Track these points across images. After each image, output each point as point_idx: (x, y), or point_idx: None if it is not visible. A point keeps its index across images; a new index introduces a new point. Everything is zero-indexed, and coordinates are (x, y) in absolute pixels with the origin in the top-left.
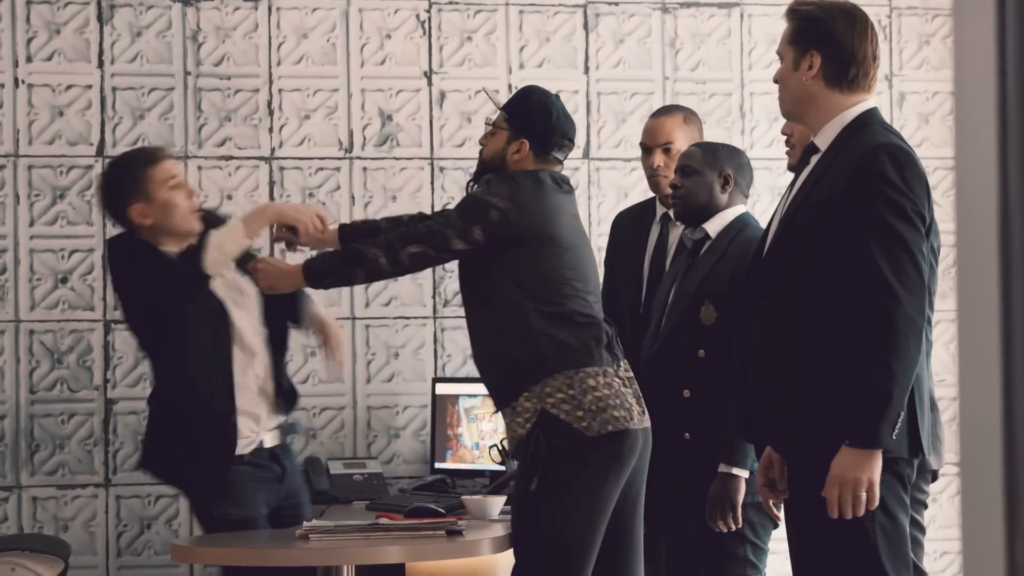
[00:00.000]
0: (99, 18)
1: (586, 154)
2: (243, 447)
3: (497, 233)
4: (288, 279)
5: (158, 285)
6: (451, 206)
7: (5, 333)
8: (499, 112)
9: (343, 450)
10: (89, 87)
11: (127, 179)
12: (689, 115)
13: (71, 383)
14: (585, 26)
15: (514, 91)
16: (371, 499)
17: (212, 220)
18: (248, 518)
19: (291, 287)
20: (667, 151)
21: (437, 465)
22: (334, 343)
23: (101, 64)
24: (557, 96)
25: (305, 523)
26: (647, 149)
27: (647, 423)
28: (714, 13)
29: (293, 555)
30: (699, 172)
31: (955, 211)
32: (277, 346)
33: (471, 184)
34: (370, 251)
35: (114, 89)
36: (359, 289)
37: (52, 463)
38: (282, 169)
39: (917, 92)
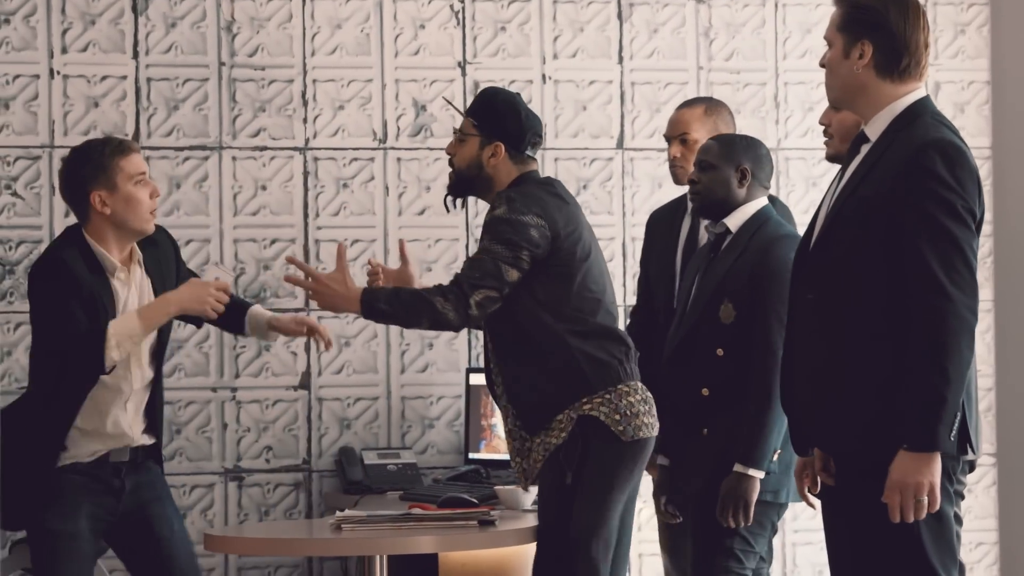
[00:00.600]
0: (134, 9)
1: (620, 144)
2: (83, 456)
3: (540, 254)
4: (344, 304)
5: (60, 344)
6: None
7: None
8: (464, 119)
9: (377, 440)
10: (124, 78)
11: (94, 164)
12: (712, 107)
13: None
14: (619, 16)
15: (546, 82)
16: (405, 489)
17: (153, 242)
18: (64, 531)
19: (346, 311)
20: (684, 142)
21: (471, 455)
22: (312, 330)
23: (136, 55)
24: (519, 94)
25: (338, 513)
26: (668, 140)
27: (657, 429)
28: (748, 3)
29: (326, 545)
30: (715, 167)
31: (992, 200)
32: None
33: (448, 199)
34: (438, 302)
35: (149, 80)
36: None
37: None
38: (316, 160)
39: (952, 81)
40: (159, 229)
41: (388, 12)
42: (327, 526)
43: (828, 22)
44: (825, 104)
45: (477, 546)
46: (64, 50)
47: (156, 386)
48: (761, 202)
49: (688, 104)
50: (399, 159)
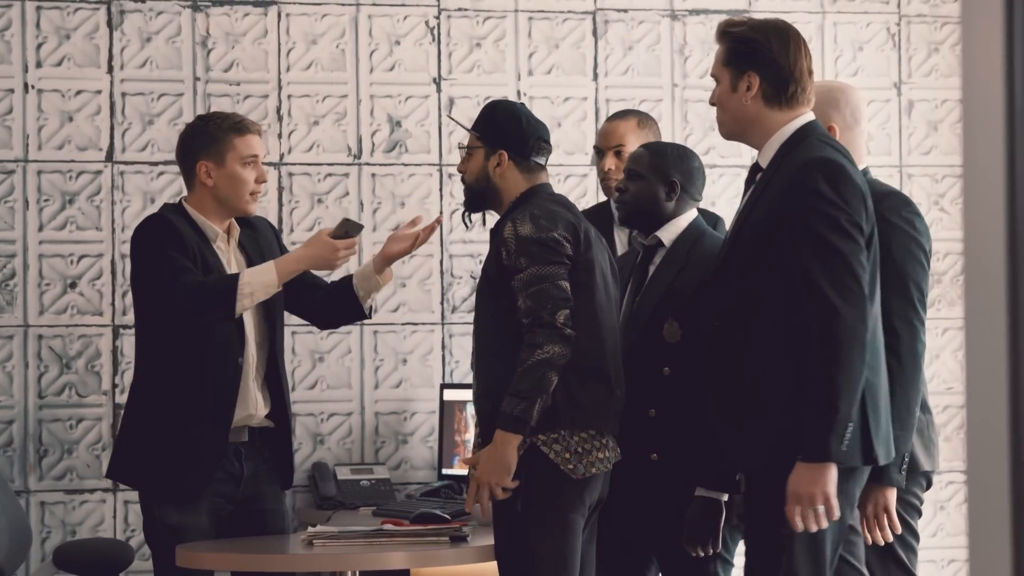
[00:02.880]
0: (109, 23)
1: (595, 161)
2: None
3: (566, 263)
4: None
5: (175, 299)
6: (459, 213)
7: (14, 338)
8: (470, 134)
9: (351, 456)
10: (99, 92)
11: (208, 135)
12: (644, 119)
13: (79, 388)
14: (594, 33)
15: (521, 98)
16: (378, 505)
17: (250, 225)
18: (184, 526)
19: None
20: (619, 154)
21: (445, 471)
22: (421, 232)
23: (111, 69)
24: (522, 103)
25: (310, 528)
26: (599, 152)
27: (619, 456)
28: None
29: (297, 561)
30: (644, 177)
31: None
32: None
33: (465, 215)
34: (542, 353)
35: (123, 94)
36: None
37: (60, 468)
38: (291, 175)
39: (926, 100)
40: (259, 217)
41: (363, 28)
42: (299, 542)
43: (713, 60)
44: None
45: (449, 562)
46: (39, 64)
47: (274, 365)
48: (692, 215)
49: (621, 115)
50: (374, 175)
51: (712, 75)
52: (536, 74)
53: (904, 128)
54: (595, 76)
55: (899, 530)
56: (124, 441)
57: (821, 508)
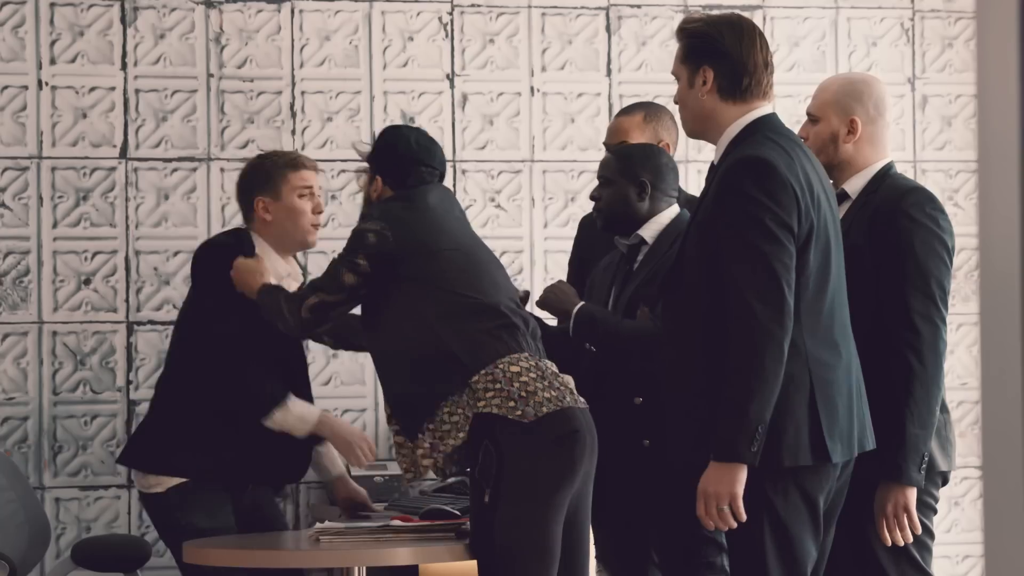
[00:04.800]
0: (122, 20)
1: None
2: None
3: (380, 254)
4: (251, 289)
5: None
6: (473, 208)
7: (28, 335)
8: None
9: None
10: (112, 89)
11: (264, 172)
12: (652, 113)
13: (94, 385)
14: (608, 29)
15: (534, 94)
16: (390, 501)
17: None
18: (216, 529)
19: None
20: None
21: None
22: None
23: (124, 66)
24: (415, 128)
25: (318, 524)
26: (608, 149)
27: (584, 404)
28: None
29: (304, 557)
30: (614, 182)
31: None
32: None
33: None
34: (284, 308)
35: (137, 91)
36: None
37: (75, 464)
38: None
39: (940, 95)
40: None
41: (377, 24)
42: (307, 538)
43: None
44: (802, 118)
45: (456, 558)
46: (53, 61)
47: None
48: (673, 211)
49: (627, 111)
50: None
51: (672, 73)
52: (549, 70)
53: (918, 123)
54: (608, 72)
55: (919, 530)
56: (173, 435)
57: (727, 508)
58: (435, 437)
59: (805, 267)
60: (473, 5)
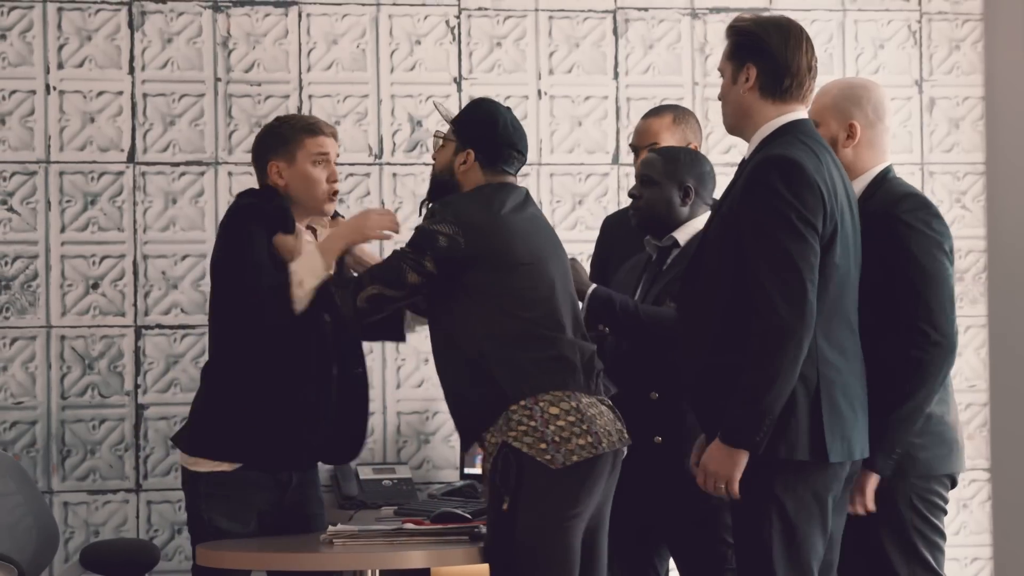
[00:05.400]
0: (130, 25)
1: (615, 159)
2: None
3: (449, 259)
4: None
5: (252, 304)
6: None
7: (36, 339)
8: (449, 125)
9: (373, 455)
10: (120, 93)
11: (279, 135)
12: (680, 115)
13: (102, 389)
14: (615, 31)
15: (542, 97)
16: (400, 504)
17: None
18: (234, 532)
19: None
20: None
21: (466, 470)
22: None
23: (132, 70)
24: (508, 108)
25: (330, 528)
26: (635, 150)
27: (621, 443)
28: None
29: (317, 560)
30: (658, 183)
31: (986, 216)
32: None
33: (424, 203)
34: (338, 295)
35: (145, 95)
36: None
37: (83, 468)
38: None
39: (947, 97)
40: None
41: (384, 28)
42: (319, 541)
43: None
44: None
45: (468, 561)
46: (60, 65)
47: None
48: (706, 217)
49: (656, 112)
50: (395, 174)
51: (719, 70)
52: (556, 73)
53: (926, 125)
54: (616, 75)
55: (861, 512)
56: (211, 416)
57: (723, 486)
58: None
59: (828, 268)
60: (480, 8)
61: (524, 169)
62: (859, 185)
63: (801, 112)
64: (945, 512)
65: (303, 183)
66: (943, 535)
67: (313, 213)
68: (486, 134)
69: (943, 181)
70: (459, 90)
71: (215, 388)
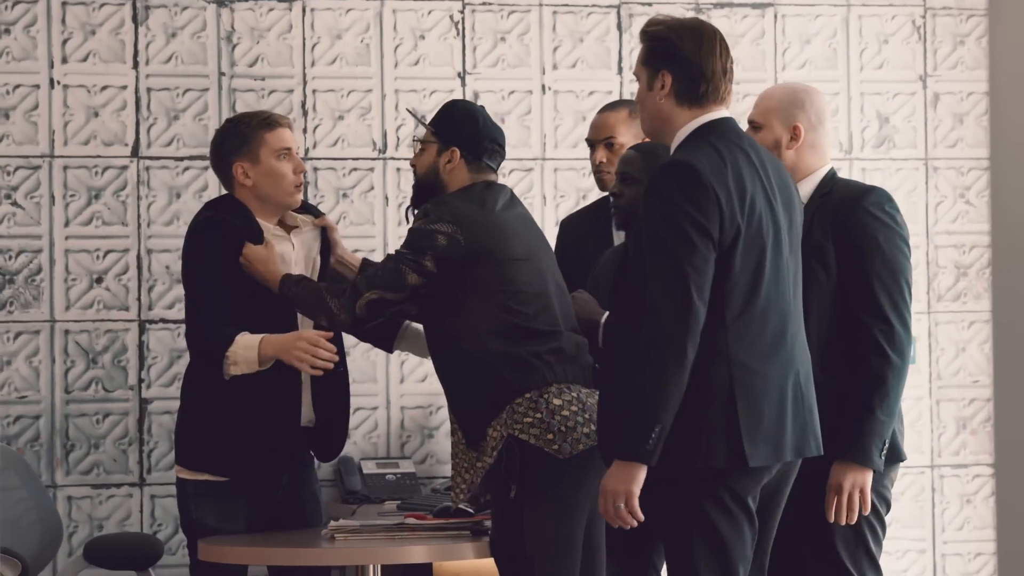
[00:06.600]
0: (134, 19)
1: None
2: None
3: (449, 258)
4: (267, 280)
5: (188, 333)
6: None
7: (40, 333)
8: (426, 130)
9: (376, 450)
10: (124, 88)
11: (239, 136)
12: (635, 110)
13: (106, 383)
14: (619, 27)
15: (546, 92)
16: (403, 499)
17: (308, 210)
18: (224, 530)
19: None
20: (610, 147)
21: None
22: None
23: (136, 65)
24: (482, 107)
25: (332, 523)
26: (591, 144)
27: None
28: (747, 14)
29: (319, 555)
30: (639, 180)
31: (990, 212)
32: None
33: (409, 208)
34: (333, 303)
35: (149, 90)
36: None
37: (87, 463)
38: (316, 170)
39: (952, 92)
40: (307, 205)
41: (388, 22)
42: (321, 536)
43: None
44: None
45: (471, 556)
46: (64, 60)
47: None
48: None
49: (611, 107)
50: (399, 169)
51: (634, 74)
52: (561, 68)
53: (930, 121)
54: (620, 70)
55: (868, 511)
56: (186, 430)
57: (622, 506)
58: (481, 455)
59: (731, 273)
60: (484, 3)
61: (528, 163)
62: (808, 186)
63: (720, 112)
64: (889, 507)
65: (270, 180)
66: (885, 527)
67: (281, 207)
68: (469, 131)
69: (947, 176)
70: (463, 85)
71: (187, 399)
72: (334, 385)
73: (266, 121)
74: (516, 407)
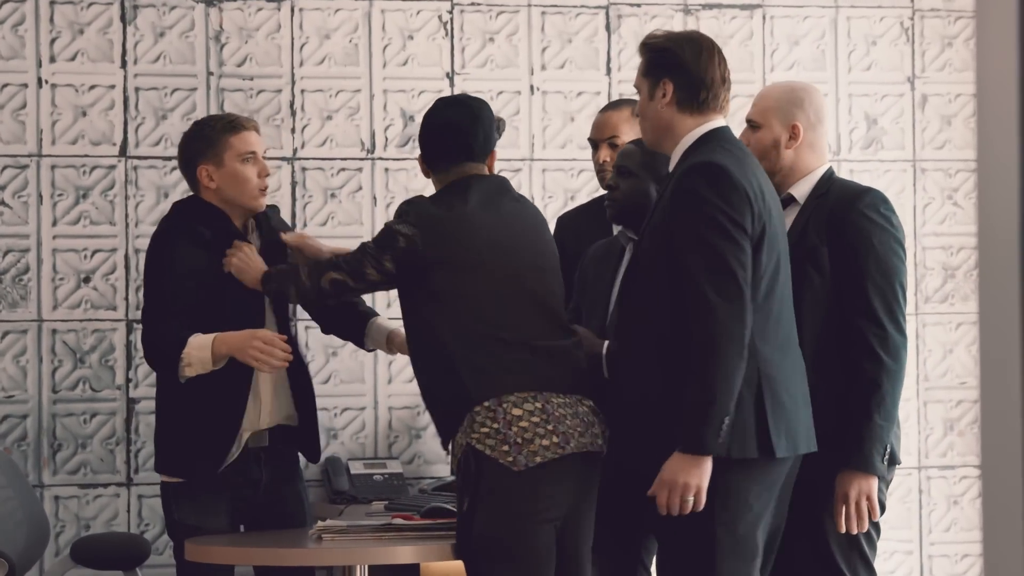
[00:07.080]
0: (122, 18)
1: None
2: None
3: (407, 261)
4: (251, 277)
5: (144, 339)
6: None
7: (28, 333)
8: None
9: (364, 450)
10: (112, 87)
11: (203, 139)
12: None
13: (93, 382)
14: (607, 27)
15: (534, 92)
16: (391, 499)
17: (269, 218)
18: (202, 528)
19: (250, 284)
20: (613, 146)
21: None
22: None
23: (124, 64)
24: (455, 100)
25: (319, 523)
26: (594, 144)
27: (595, 445)
28: (736, 15)
29: (306, 555)
30: (636, 175)
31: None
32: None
33: None
34: (303, 272)
35: (137, 89)
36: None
37: (74, 462)
38: (304, 170)
39: (939, 94)
40: (271, 206)
41: (376, 23)
42: (308, 536)
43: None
44: None
45: (457, 556)
46: (52, 59)
47: (295, 360)
48: None
49: (614, 106)
50: (387, 169)
51: (635, 87)
52: (549, 68)
53: (918, 122)
54: (608, 71)
55: (877, 517)
56: (157, 433)
57: (690, 498)
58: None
59: (758, 268)
60: (473, 3)
61: (517, 164)
62: (806, 186)
63: (719, 121)
64: (884, 509)
65: (234, 183)
66: (879, 529)
67: (246, 210)
68: (424, 136)
69: (935, 178)
70: (451, 85)
71: (157, 403)
72: (298, 384)
73: (231, 124)
74: (475, 415)
